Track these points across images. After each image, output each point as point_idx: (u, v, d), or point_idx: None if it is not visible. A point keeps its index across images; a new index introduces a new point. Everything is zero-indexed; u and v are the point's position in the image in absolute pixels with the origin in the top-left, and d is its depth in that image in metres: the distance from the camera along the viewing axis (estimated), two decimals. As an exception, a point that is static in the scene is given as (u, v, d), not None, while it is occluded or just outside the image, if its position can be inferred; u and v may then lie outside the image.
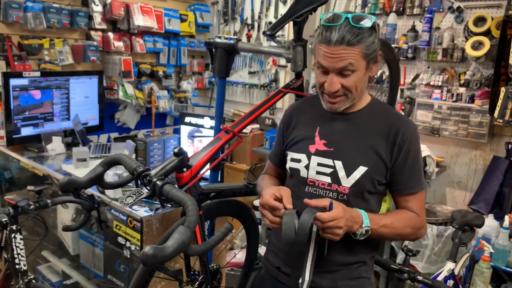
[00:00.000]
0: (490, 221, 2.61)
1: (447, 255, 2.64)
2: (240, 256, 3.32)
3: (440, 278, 2.03)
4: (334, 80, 1.18)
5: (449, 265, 2.14)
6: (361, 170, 1.23)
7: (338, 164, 1.25)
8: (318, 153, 1.28)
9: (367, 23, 1.15)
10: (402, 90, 3.31)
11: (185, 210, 1.17)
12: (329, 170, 1.26)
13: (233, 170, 3.62)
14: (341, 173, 1.24)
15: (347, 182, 1.24)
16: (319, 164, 1.27)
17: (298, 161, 1.31)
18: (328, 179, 1.26)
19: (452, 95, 3.09)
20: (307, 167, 1.29)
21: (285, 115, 1.43)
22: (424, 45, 3.17)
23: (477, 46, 2.91)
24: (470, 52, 2.93)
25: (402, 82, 3.29)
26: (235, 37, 1.73)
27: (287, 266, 1.34)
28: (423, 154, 2.83)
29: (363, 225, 1.16)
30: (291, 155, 1.34)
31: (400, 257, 2.74)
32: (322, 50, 1.17)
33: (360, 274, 1.32)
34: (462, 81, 3.05)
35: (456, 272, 2.18)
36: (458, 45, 3.05)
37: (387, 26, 3.36)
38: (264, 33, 1.70)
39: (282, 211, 1.16)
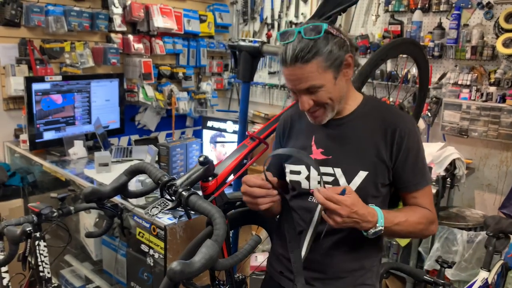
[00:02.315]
0: (523, 227, 2.49)
1: (478, 262, 2.55)
2: (261, 259, 3.28)
3: (474, 288, 1.95)
4: (303, 100, 1.16)
5: (483, 274, 2.05)
6: (362, 175, 1.19)
7: (338, 172, 1.21)
8: (317, 162, 1.23)
9: (318, 33, 1.10)
10: (428, 90, 3.20)
11: (213, 223, 1.12)
12: (330, 179, 1.22)
13: (251, 172, 3.57)
14: (342, 180, 1.20)
15: None
16: (319, 174, 1.21)
17: (298, 173, 1.27)
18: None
19: (482, 94, 2.97)
20: (307, 178, 1.25)
21: (280, 124, 1.40)
22: (451, 43, 3.06)
23: (508, 43, 2.79)
24: (501, 49, 2.80)
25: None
26: (260, 40, 1.67)
27: (289, 271, 1.30)
28: (453, 157, 2.73)
29: (377, 225, 1.12)
30: (289, 167, 1.30)
31: (429, 263, 2.65)
32: (284, 72, 1.15)
33: (364, 281, 1.28)
34: (492, 80, 2.92)
35: (489, 281, 2.08)
36: (488, 42, 2.93)
37: (412, 23, 3.25)
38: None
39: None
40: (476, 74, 3.02)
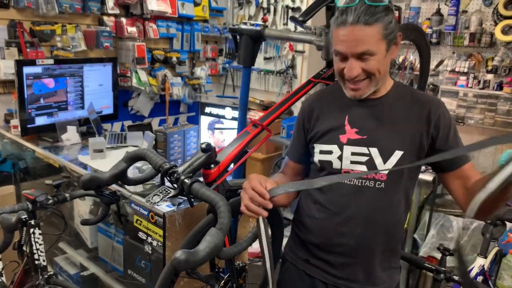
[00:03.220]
0: (518, 214, 2.51)
1: (473, 248, 2.57)
2: (257, 246, 3.28)
3: (471, 275, 1.96)
4: (353, 65, 1.12)
5: (480, 261, 2.06)
6: (397, 154, 1.18)
7: (374, 151, 1.19)
8: (351, 142, 1.21)
9: (383, 1, 1.10)
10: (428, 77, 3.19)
11: (217, 211, 1.10)
12: (364, 159, 1.20)
13: (249, 159, 3.55)
14: (378, 160, 1.19)
15: (384, 168, 1.18)
16: (353, 154, 1.21)
17: (329, 152, 1.24)
18: (364, 168, 1.20)
19: (479, 82, 2.97)
20: (340, 158, 1.22)
21: (304, 108, 1.35)
22: (449, 30, 3.04)
23: (507, 30, 2.78)
24: (499, 36, 2.79)
25: (425, 68, 3.16)
26: (262, 23, 1.63)
27: (317, 258, 1.29)
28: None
29: None
30: (319, 147, 1.26)
31: (424, 249, 2.66)
32: (339, 34, 1.11)
33: (390, 265, 1.28)
34: (489, 67, 2.92)
35: (485, 267, 2.10)
36: (487, 29, 2.92)
37: (410, 9, 3.23)
38: (292, 18, 1.59)
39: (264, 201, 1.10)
40: (473, 62, 3.01)
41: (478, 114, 2.98)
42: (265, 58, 4.07)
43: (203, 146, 1.26)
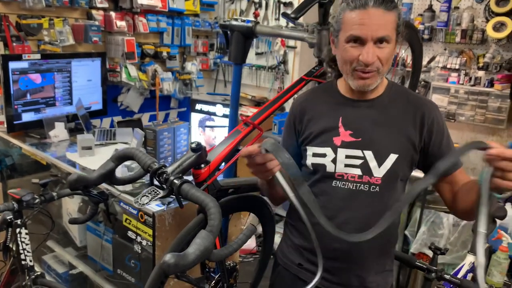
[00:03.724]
0: (508, 210, 2.53)
1: (463, 245, 2.59)
2: (248, 243, 3.27)
3: (462, 272, 1.97)
4: (371, 50, 1.07)
5: (470, 258, 2.07)
6: (392, 158, 1.16)
7: (369, 154, 1.17)
8: (345, 144, 1.19)
9: None
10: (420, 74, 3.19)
11: (207, 212, 1.08)
12: (359, 162, 1.18)
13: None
14: (372, 163, 1.17)
15: (378, 172, 1.16)
16: (347, 157, 1.18)
17: (323, 155, 1.21)
18: (358, 171, 1.18)
19: (470, 78, 2.97)
20: (334, 161, 1.19)
21: (295, 108, 1.31)
22: (441, 26, 3.03)
23: (499, 27, 2.78)
24: (491, 33, 2.79)
25: (417, 65, 3.16)
26: (253, 19, 1.60)
27: (310, 263, 1.27)
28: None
29: None
30: (312, 150, 1.23)
31: (415, 246, 2.67)
32: (357, 17, 1.07)
33: (385, 267, 1.27)
34: (481, 64, 2.93)
35: (476, 264, 2.11)
36: (478, 26, 2.92)
37: (402, 5, 3.21)
38: (284, 15, 1.57)
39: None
40: (465, 58, 3.01)
41: (469, 110, 2.99)
42: (257, 54, 4.04)
43: (193, 145, 1.23)
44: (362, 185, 1.18)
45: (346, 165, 1.18)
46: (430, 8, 3.11)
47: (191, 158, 1.24)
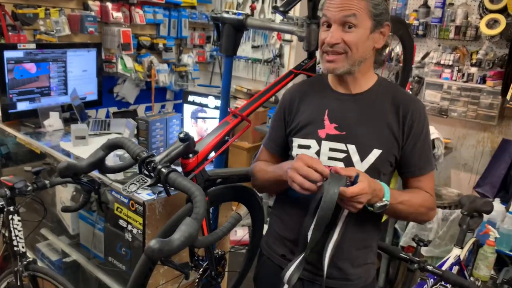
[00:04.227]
0: (496, 205, 2.56)
1: (452, 239, 2.63)
2: (241, 234, 3.31)
3: (447, 265, 2.00)
4: (335, 32, 1.14)
5: (456, 251, 2.11)
6: (376, 153, 1.18)
7: (352, 148, 1.19)
8: (329, 137, 1.21)
9: None
10: (411, 69, 3.21)
11: (193, 201, 1.10)
12: (342, 155, 1.20)
13: (235, 148, 3.56)
14: (355, 157, 1.19)
15: (361, 166, 1.19)
16: (331, 150, 1.21)
17: (307, 147, 1.24)
18: (341, 164, 1.20)
19: (463, 75, 3.00)
20: (317, 153, 1.22)
21: (285, 98, 1.34)
22: (436, 22, 3.05)
23: (492, 24, 2.80)
24: (484, 30, 2.81)
25: (411, 60, 3.18)
26: (244, 12, 1.62)
27: (293, 254, 1.29)
28: (432, 137, 2.76)
29: (384, 199, 1.12)
30: (297, 141, 1.26)
31: (404, 239, 2.71)
32: (329, 2, 1.15)
33: (366, 260, 1.30)
34: (474, 61, 2.95)
35: (461, 258, 2.15)
36: (472, 22, 2.94)
37: (397, 1, 3.23)
38: (274, 8, 1.59)
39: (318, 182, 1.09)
40: (458, 55, 3.03)
41: (461, 107, 3.01)
42: (253, 47, 4.05)
43: (181, 135, 1.26)
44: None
45: (330, 158, 1.20)
46: (425, 4, 3.13)
47: (179, 148, 1.26)
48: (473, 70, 2.95)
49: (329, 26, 1.16)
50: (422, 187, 1.23)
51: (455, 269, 2.10)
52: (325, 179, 1.08)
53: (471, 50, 2.99)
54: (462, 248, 2.13)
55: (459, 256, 2.11)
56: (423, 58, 3.19)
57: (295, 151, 1.26)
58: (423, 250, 2.68)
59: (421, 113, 1.21)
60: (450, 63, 3.05)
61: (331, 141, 1.20)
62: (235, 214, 1.18)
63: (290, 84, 1.43)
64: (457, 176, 3.22)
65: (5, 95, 2.47)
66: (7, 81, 2.45)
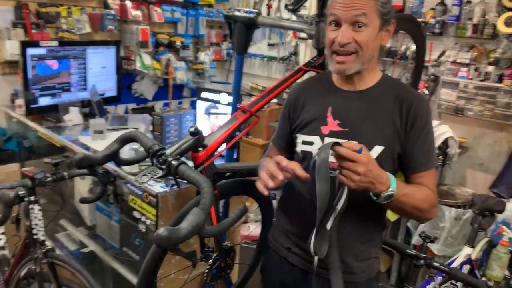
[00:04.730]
0: (511, 206, 2.53)
1: (464, 239, 2.60)
2: (253, 228, 3.35)
3: (456, 263, 2.00)
4: (346, 32, 1.14)
5: (466, 250, 2.10)
6: (378, 149, 1.19)
7: None
8: (332, 134, 1.23)
9: None
10: (426, 67, 3.19)
11: (200, 192, 1.15)
12: None
13: (249, 145, 3.60)
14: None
15: None
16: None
17: (310, 143, 1.26)
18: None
19: (480, 73, 2.96)
20: None
21: (290, 96, 1.37)
22: (453, 20, 3.03)
23: (510, 22, 2.76)
24: (502, 28, 2.78)
25: (427, 59, 3.16)
26: (255, 10, 1.65)
27: (298, 247, 1.32)
28: (446, 135, 2.75)
29: (390, 189, 1.10)
30: (301, 137, 1.29)
31: (416, 238, 2.71)
32: (337, 1, 1.15)
33: (370, 255, 1.31)
34: (491, 59, 2.91)
35: (473, 257, 2.14)
36: (490, 20, 2.90)
37: (414, -1, 3.21)
38: (286, 6, 1.62)
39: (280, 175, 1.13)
40: (475, 53, 3.00)
41: (477, 106, 2.98)
42: (269, 45, 4.08)
43: (192, 130, 1.30)
44: (339, 171, 1.22)
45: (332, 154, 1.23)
46: (442, 2, 3.10)
47: (189, 142, 1.31)
48: (490, 68, 2.91)
49: (337, 25, 1.16)
50: (424, 183, 1.22)
51: (466, 268, 2.09)
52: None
53: (488, 49, 2.95)
54: (473, 247, 2.12)
55: (470, 255, 2.10)
56: (440, 56, 3.17)
57: (299, 147, 1.29)
58: (436, 250, 2.67)
59: (424, 109, 1.21)
60: (467, 61, 3.01)
61: (334, 138, 1.21)
62: (242, 206, 1.21)
63: (299, 81, 1.46)
64: (473, 176, 3.18)
65: (28, 90, 2.58)
66: (30, 77, 2.55)
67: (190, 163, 1.32)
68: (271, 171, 1.15)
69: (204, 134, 1.35)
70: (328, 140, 1.23)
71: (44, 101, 2.67)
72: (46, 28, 3.00)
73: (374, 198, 1.13)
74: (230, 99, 2.76)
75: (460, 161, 3.11)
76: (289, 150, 1.38)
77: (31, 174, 1.68)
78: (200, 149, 1.36)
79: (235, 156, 2.01)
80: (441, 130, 2.77)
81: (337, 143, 1.06)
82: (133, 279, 1.99)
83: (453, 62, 3.08)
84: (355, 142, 1.11)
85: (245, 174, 1.60)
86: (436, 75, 3.18)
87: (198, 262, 1.51)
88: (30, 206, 1.73)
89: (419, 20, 3.13)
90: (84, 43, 2.91)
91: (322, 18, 1.55)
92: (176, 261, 1.80)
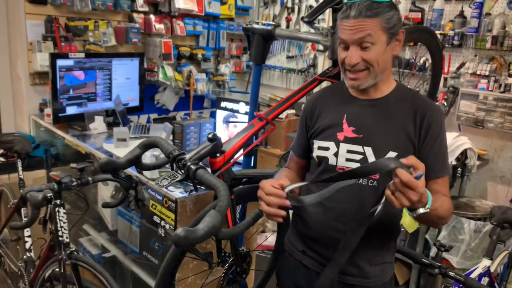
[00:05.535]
0: (532, 219, 2.49)
1: (484, 251, 2.57)
2: (271, 239, 3.37)
3: (474, 275, 1.98)
4: (353, 53, 1.19)
5: (485, 262, 2.07)
6: (391, 155, 1.22)
7: (368, 150, 1.25)
8: (347, 140, 1.27)
9: None
10: (445, 79, 3.19)
11: (217, 195, 1.20)
12: (359, 157, 1.26)
13: (267, 155, 3.64)
14: (371, 159, 1.24)
15: None
16: (348, 151, 1.27)
17: (326, 149, 1.30)
18: (358, 166, 1.25)
19: (500, 85, 2.94)
20: (336, 154, 1.28)
21: (307, 105, 1.42)
22: (472, 32, 3.02)
23: (530, 34, 2.74)
24: (522, 40, 2.76)
25: (446, 70, 3.16)
26: (273, 23, 1.71)
27: (312, 250, 1.36)
28: (465, 147, 2.73)
29: (427, 206, 1.07)
30: (318, 143, 1.33)
31: (434, 250, 2.68)
32: (343, 25, 1.20)
33: (384, 260, 1.33)
34: (511, 71, 2.89)
35: (492, 269, 2.11)
36: (510, 32, 2.88)
37: (433, 11, 3.22)
38: (302, 19, 1.67)
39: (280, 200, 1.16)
40: (495, 65, 2.98)
41: (497, 117, 2.95)
42: (288, 57, 4.15)
43: (210, 136, 1.36)
44: (361, 179, 1.25)
45: (347, 159, 1.26)
46: (461, 14, 3.11)
47: (208, 147, 1.37)
48: (511, 80, 2.89)
49: (346, 46, 1.22)
50: (439, 190, 1.23)
51: (485, 280, 2.06)
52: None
53: (508, 60, 2.93)
54: (491, 259, 2.09)
55: (488, 267, 2.07)
56: (459, 68, 3.16)
57: (316, 152, 1.33)
58: (455, 262, 2.64)
59: (438, 117, 1.24)
60: (487, 73, 3.00)
61: (348, 143, 1.26)
62: (257, 210, 1.26)
63: (315, 90, 1.51)
64: (493, 189, 3.14)
65: (57, 100, 2.70)
66: (58, 87, 2.68)
67: (208, 169, 1.37)
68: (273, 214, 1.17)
69: (222, 141, 1.41)
70: (342, 146, 1.26)
71: (71, 110, 2.79)
72: (74, 41, 3.14)
73: (409, 213, 1.11)
74: (248, 108, 2.83)
75: (481, 174, 3.07)
76: (306, 156, 1.43)
77: (58, 178, 1.76)
78: (218, 154, 1.41)
79: (252, 164, 2.06)
80: (460, 141, 2.76)
81: (400, 163, 1.01)
82: (152, 283, 2.04)
83: (473, 73, 3.07)
84: (420, 164, 1.03)
85: (261, 180, 1.64)
86: (455, 87, 3.17)
87: (214, 266, 1.55)
88: (56, 209, 1.81)
89: (438, 32, 3.14)
90: (110, 55, 3.03)
91: (336, 29, 1.60)
92: (193, 266, 1.84)
